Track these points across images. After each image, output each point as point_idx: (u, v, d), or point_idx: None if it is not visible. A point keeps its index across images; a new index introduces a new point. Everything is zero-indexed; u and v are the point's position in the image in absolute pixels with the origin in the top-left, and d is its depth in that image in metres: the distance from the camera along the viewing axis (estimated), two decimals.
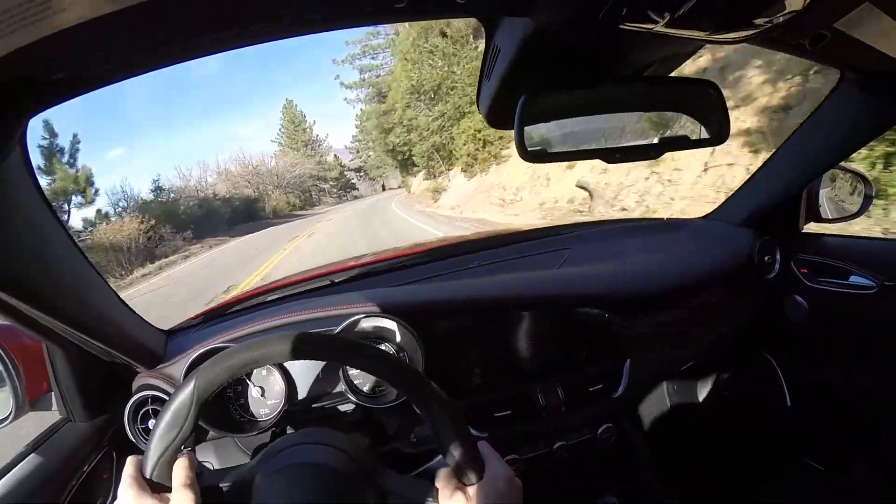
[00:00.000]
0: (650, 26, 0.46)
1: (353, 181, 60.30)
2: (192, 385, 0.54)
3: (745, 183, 1.17)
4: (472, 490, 0.53)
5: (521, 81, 0.55)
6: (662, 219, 1.41)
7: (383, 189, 57.60)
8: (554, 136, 0.58)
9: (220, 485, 0.55)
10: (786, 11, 0.44)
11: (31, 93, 0.45)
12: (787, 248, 1.15)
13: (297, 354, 0.62)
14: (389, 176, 55.27)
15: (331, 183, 56.28)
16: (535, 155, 0.55)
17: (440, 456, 0.57)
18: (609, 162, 0.56)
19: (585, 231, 1.35)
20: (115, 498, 0.81)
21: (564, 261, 1.10)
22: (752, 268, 1.11)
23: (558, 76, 0.56)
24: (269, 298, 1.13)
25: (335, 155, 57.85)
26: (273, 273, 8.83)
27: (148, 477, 0.51)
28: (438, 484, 0.54)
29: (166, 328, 1.02)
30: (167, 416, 0.53)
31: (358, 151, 55.93)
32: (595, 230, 1.38)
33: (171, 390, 0.85)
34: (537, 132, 0.56)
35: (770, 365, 1.25)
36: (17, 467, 0.73)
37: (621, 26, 0.47)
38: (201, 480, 0.54)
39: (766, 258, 1.13)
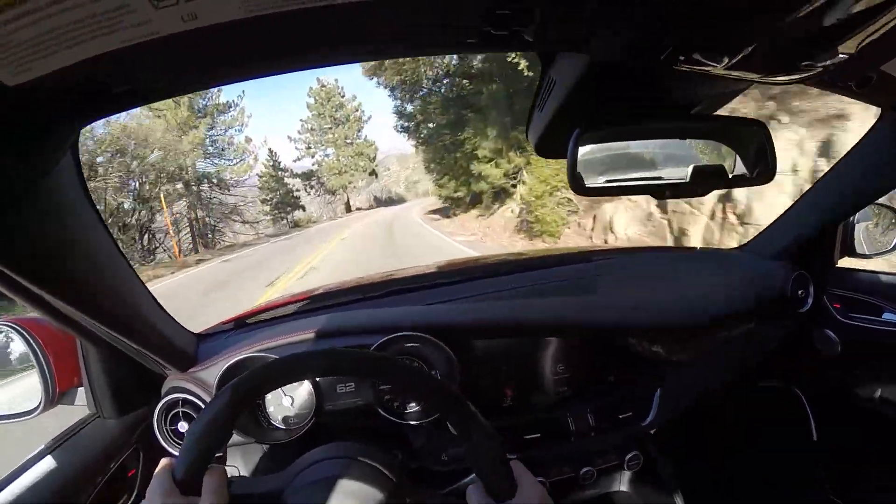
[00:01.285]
0: (707, 69, 0.48)
1: (296, 193, 35.86)
2: (230, 394, 0.54)
3: (780, 215, 1.17)
4: None
5: (573, 114, 0.57)
6: (695, 248, 1.42)
7: (348, 210, 40.51)
8: (605, 170, 0.60)
9: (250, 494, 0.57)
10: (837, 57, 0.46)
11: (90, 102, 0.46)
12: (820, 282, 1.15)
13: (338, 371, 0.63)
14: (358, 188, 39.78)
15: (262, 197, 32.54)
16: (587, 188, 0.57)
17: (471, 475, 0.58)
18: (658, 198, 0.58)
19: (618, 258, 1.36)
20: (140, 496, 0.83)
21: (599, 288, 1.11)
22: (785, 301, 1.12)
23: (610, 111, 0.58)
24: (302, 309, 1.15)
25: (268, 151, 34.25)
26: None
27: (179, 481, 0.52)
28: (470, 501, 0.55)
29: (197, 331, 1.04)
30: (204, 423, 0.53)
31: (309, 147, 37.32)
32: (628, 257, 1.39)
33: (202, 394, 0.87)
34: (588, 165, 0.58)
35: (798, 398, 1.25)
36: (44, 459, 0.75)
37: (677, 67, 0.49)
38: (231, 488, 0.55)
39: (800, 292, 1.13)
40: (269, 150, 35.26)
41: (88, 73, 0.39)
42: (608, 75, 0.52)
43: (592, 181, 0.57)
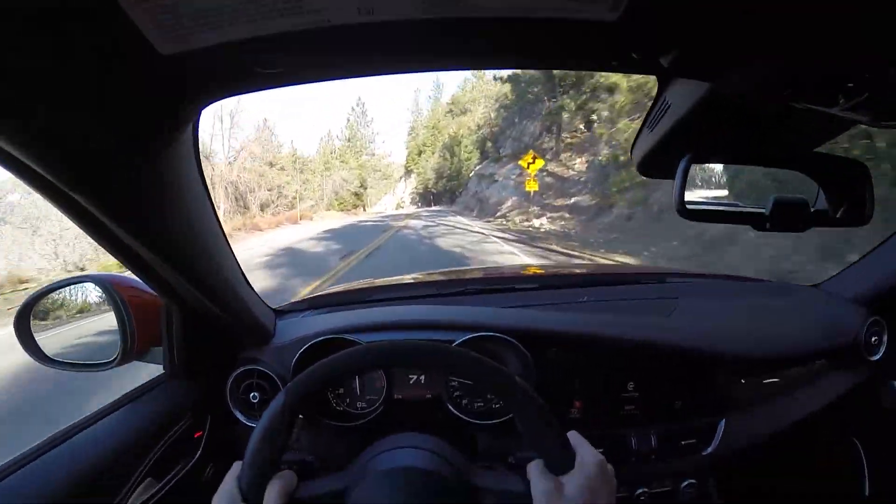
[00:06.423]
0: (824, 109, 0.53)
1: None
2: (282, 399, 0.57)
3: (863, 257, 1.19)
4: (564, 479, 0.56)
5: (683, 138, 0.62)
6: (771, 281, 1.45)
7: None
8: (707, 196, 0.65)
9: (315, 496, 0.58)
10: None
11: (230, 80, 0.50)
12: (895, 332, 1.17)
13: (422, 365, 0.65)
14: None
15: None
16: (692, 212, 0.62)
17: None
18: (758, 229, 0.62)
19: (693, 282, 1.40)
20: (203, 457, 0.91)
21: (674, 310, 1.14)
22: (857, 346, 1.13)
23: (719, 138, 0.63)
24: (377, 297, 1.22)
25: None
26: None
27: (244, 491, 0.55)
28: (530, 476, 0.57)
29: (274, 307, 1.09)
30: (261, 432, 0.56)
31: None
32: (702, 282, 1.43)
33: (278, 369, 0.93)
34: (691, 190, 0.63)
35: (856, 449, 1.26)
36: (115, 413, 0.81)
37: (794, 104, 0.55)
38: (297, 492, 0.57)
39: (873, 339, 1.15)
40: None
41: (242, 51, 0.41)
42: (725, 105, 0.57)
43: (696, 205, 0.63)
